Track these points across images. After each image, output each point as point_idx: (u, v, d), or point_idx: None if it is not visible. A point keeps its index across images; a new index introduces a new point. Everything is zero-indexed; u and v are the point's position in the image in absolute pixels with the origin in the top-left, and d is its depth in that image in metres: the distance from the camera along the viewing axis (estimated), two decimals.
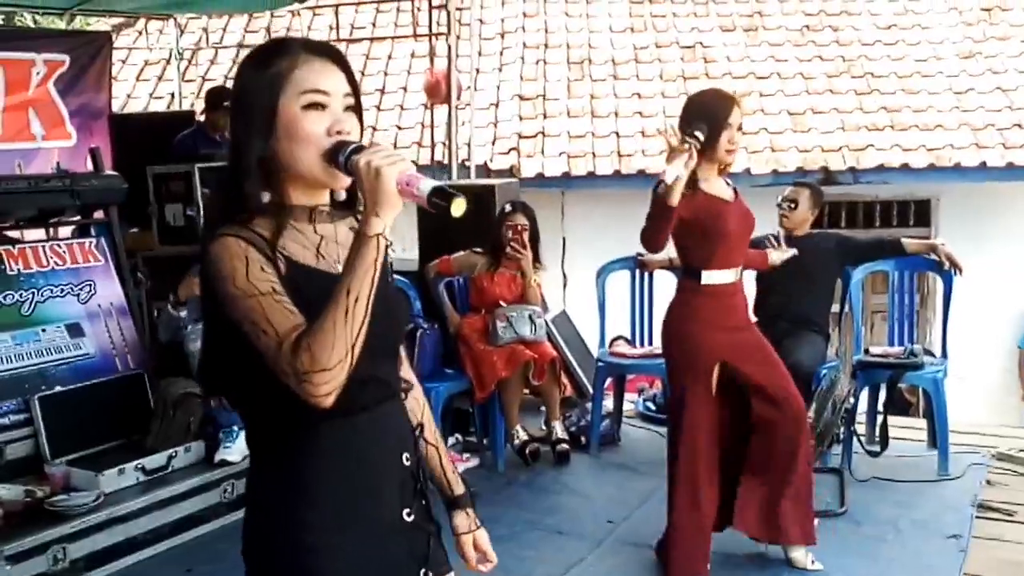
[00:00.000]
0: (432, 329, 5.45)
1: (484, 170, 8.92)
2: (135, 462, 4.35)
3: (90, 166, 5.57)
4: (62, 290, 4.92)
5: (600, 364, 5.68)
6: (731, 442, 3.94)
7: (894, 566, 4.12)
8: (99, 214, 5.32)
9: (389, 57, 10.86)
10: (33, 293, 4.79)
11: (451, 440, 5.50)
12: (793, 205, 5.28)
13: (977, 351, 8.30)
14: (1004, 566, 4.08)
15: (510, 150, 9.52)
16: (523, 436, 5.42)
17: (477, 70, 9.80)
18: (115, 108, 8.23)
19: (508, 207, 5.60)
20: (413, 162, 1.61)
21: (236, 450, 4.54)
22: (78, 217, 5.29)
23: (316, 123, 1.68)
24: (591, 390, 5.89)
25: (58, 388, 4.65)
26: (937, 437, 5.19)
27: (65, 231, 5.62)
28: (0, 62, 6.64)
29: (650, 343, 5.79)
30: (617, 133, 9.56)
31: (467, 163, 7.61)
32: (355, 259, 1.57)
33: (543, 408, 5.64)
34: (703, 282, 3.81)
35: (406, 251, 6.36)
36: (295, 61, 1.70)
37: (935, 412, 5.18)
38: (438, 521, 1.90)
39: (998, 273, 8.75)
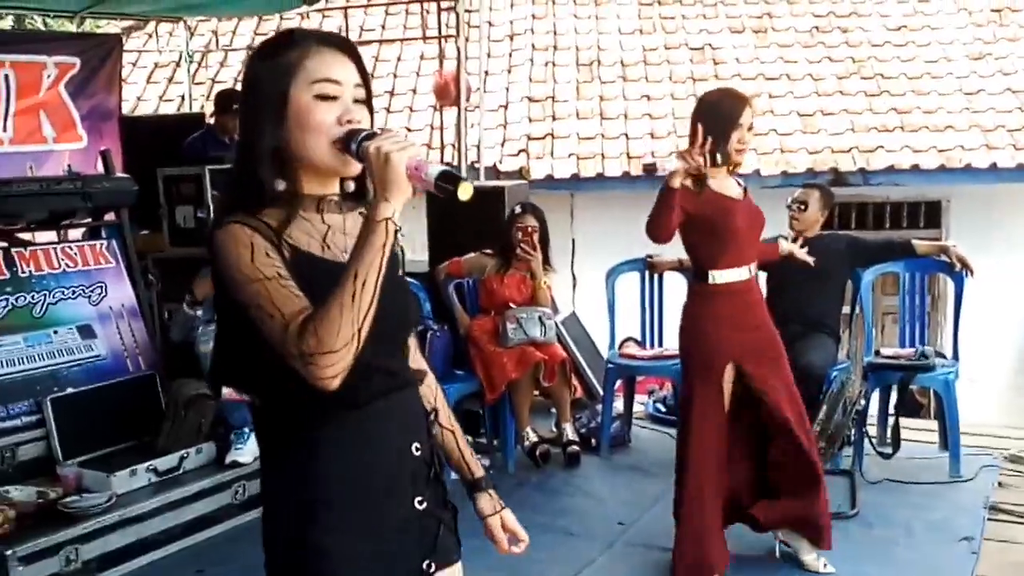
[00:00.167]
0: (442, 331, 5.45)
1: (493, 172, 8.93)
2: (147, 463, 4.36)
3: (101, 168, 5.59)
4: (73, 292, 4.93)
5: (610, 366, 5.68)
6: (748, 441, 3.94)
7: (906, 569, 4.11)
8: (110, 216, 5.33)
9: (398, 59, 10.88)
10: (45, 295, 4.81)
11: None
12: (803, 206, 5.26)
13: (988, 353, 8.27)
14: (1016, 568, 4.07)
15: (519, 152, 9.52)
16: (533, 438, 5.43)
17: (486, 72, 9.80)
18: (125, 110, 8.23)
19: (518, 209, 5.60)
20: (433, 161, 1.62)
21: (247, 451, 4.55)
22: (89, 219, 5.30)
23: (327, 113, 1.69)
24: (601, 392, 5.88)
25: (70, 389, 4.67)
26: (948, 439, 5.18)
27: (76, 233, 5.64)
28: (11, 65, 6.65)
29: (660, 345, 5.79)
30: (626, 135, 9.55)
31: (476, 165, 7.62)
32: (363, 243, 1.58)
33: (553, 410, 5.64)
34: (713, 281, 3.81)
35: (416, 253, 6.37)
36: (307, 51, 1.71)
37: (946, 414, 5.17)
38: (455, 507, 1.91)
39: (1009, 275, 8.72)
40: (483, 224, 5.72)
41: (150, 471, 4.36)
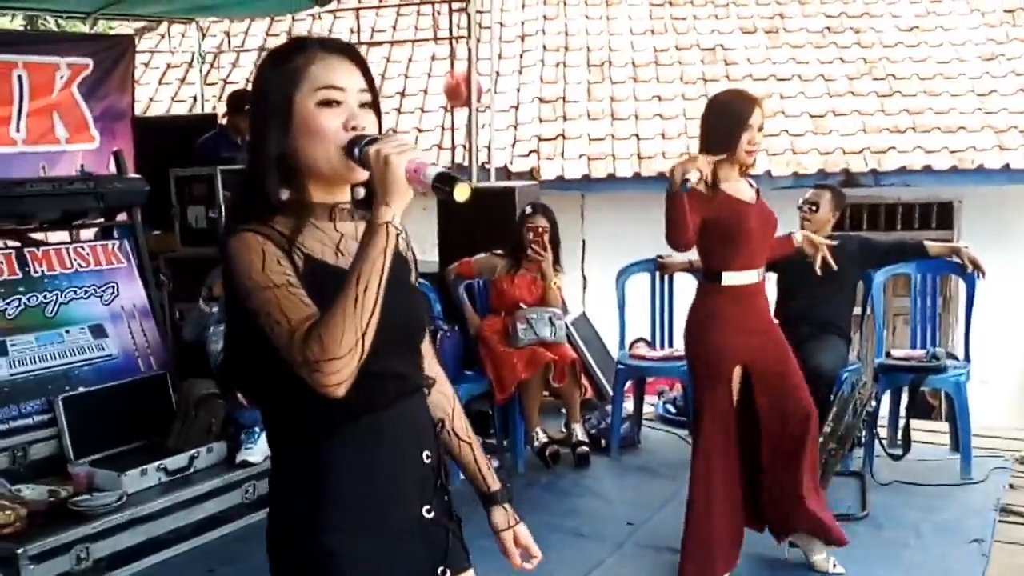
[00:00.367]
0: (452, 331, 5.46)
1: (504, 173, 8.93)
2: (157, 463, 4.37)
3: (113, 169, 5.61)
4: (85, 292, 4.95)
5: (620, 366, 5.68)
6: (755, 442, 3.94)
7: (915, 570, 4.10)
8: (122, 216, 5.36)
9: (409, 60, 10.89)
10: (57, 295, 4.83)
11: None
12: (814, 207, 5.25)
13: (1000, 354, 8.25)
14: None
15: (530, 152, 9.53)
16: (543, 438, 5.43)
17: (497, 73, 9.80)
18: (137, 111, 8.27)
19: (528, 209, 5.61)
20: (433, 163, 1.62)
21: (258, 451, 4.56)
22: (101, 219, 5.33)
23: (331, 119, 1.69)
24: (611, 392, 5.88)
25: (81, 389, 4.69)
26: (959, 441, 5.16)
27: (88, 233, 5.66)
28: (24, 66, 6.68)
29: (670, 346, 5.78)
30: (637, 136, 9.55)
31: (487, 166, 7.62)
32: (365, 247, 1.58)
33: (563, 410, 5.63)
34: (724, 283, 3.80)
35: (426, 254, 6.38)
36: (311, 58, 1.72)
37: (957, 416, 5.15)
38: (459, 517, 1.91)
39: (1021, 276, 8.69)
40: (494, 225, 5.73)
41: (161, 470, 4.37)
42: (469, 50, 7.03)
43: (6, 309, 4.62)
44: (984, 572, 4.04)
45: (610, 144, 9.54)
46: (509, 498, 2.02)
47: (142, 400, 4.78)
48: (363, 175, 1.69)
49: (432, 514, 1.81)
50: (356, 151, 1.65)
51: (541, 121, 9.92)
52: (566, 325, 5.64)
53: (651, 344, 5.95)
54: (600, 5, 11.42)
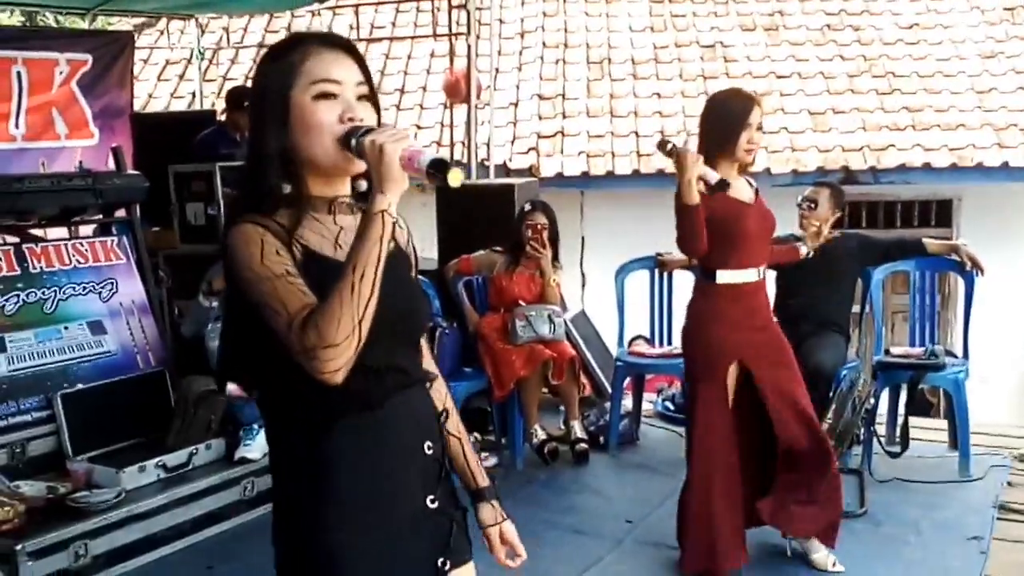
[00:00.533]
0: (451, 328, 5.47)
1: (503, 170, 8.93)
2: (156, 459, 4.37)
3: (112, 165, 5.61)
4: (84, 288, 4.95)
5: (619, 364, 5.68)
6: (757, 440, 3.94)
7: (914, 567, 4.10)
8: (121, 213, 5.35)
9: (409, 57, 10.88)
10: (56, 291, 4.83)
11: (470, 439, 5.48)
12: (813, 205, 5.25)
13: (999, 352, 8.25)
14: None
15: (529, 150, 9.53)
16: (542, 435, 5.43)
17: (497, 69, 9.80)
18: (136, 107, 8.27)
19: (528, 206, 5.60)
20: (427, 147, 1.63)
21: (256, 448, 4.56)
22: (100, 215, 5.33)
23: (327, 112, 1.70)
24: (610, 390, 5.88)
25: (80, 385, 4.69)
26: (958, 438, 5.16)
27: (87, 229, 5.66)
28: (24, 62, 6.69)
29: (669, 343, 5.78)
30: (636, 133, 9.54)
31: (486, 163, 7.61)
32: (361, 235, 1.59)
33: (562, 407, 5.63)
34: (720, 281, 3.80)
35: (425, 251, 6.37)
36: (307, 53, 1.73)
37: (956, 413, 5.15)
38: (464, 507, 1.92)
39: (1021, 274, 8.69)
40: (493, 222, 5.73)
41: (159, 467, 4.37)
42: (468, 47, 7.02)
43: (5, 305, 4.63)
44: (983, 569, 4.04)
45: (609, 141, 9.54)
46: (497, 495, 2.03)
47: (141, 397, 4.78)
48: (362, 167, 1.69)
49: (436, 504, 1.82)
50: (352, 142, 1.65)
51: (540, 118, 9.92)
52: (565, 322, 5.64)
53: (650, 341, 5.95)
54: (599, 2, 11.42)
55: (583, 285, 9.27)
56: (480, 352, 5.43)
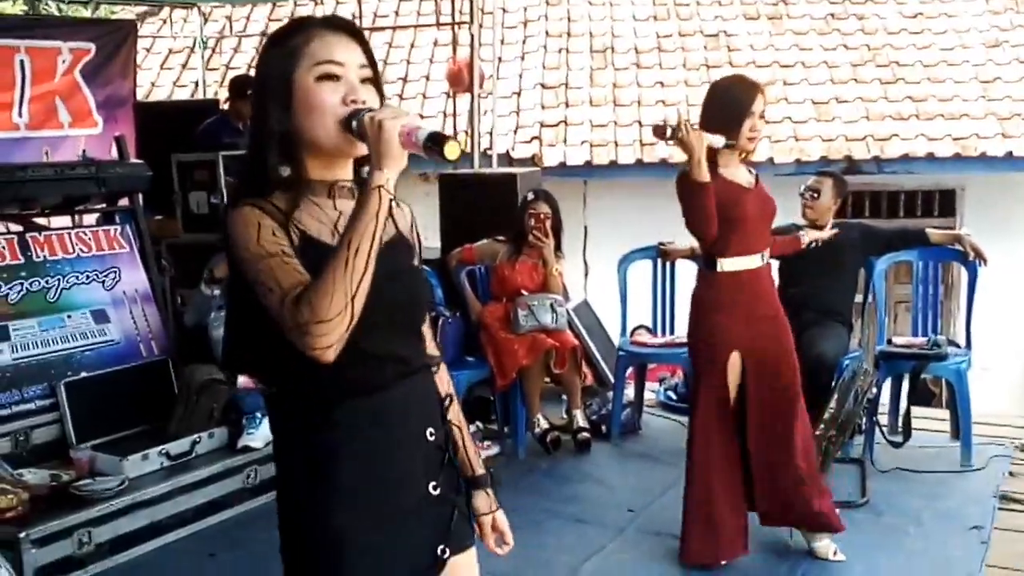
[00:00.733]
0: (454, 317, 5.47)
1: (506, 159, 8.93)
2: (159, 447, 4.39)
3: (115, 154, 5.61)
4: (87, 277, 4.96)
5: (621, 353, 5.68)
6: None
7: (916, 557, 4.11)
8: (124, 201, 5.36)
9: (412, 46, 10.87)
10: (59, 280, 4.84)
11: (472, 428, 5.45)
12: (816, 194, 5.25)
13: (1001, 342, 8.24)
14: None
15: (532, 139, 9.51)
16: (544, 424, 5.43)
17: (499, 59, 9.78)
18: (139, 96, 8.26)
19: (531, 195, 5.60)
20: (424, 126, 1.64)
21: (259, 436, 4.57)
22: (103, 204, 5.34)
23: (331, 93, 1.71)
24: (612, 379, 5.89)
25: (83, 374, 4.71)
26: (960, 428, 5.17)
27: (90, 218, 5.67)
28: (27, 51, 6.68)
29: (671, 332, 5.78)
30: (639, 122, 9.52)
31: (489, 152, 7.62)
32: (358, 211, 1.60)
33: (564, 397, 5.63)
34: (721, 269, 3.81)
35: (428, 240, 6.37)
36: (310, 35, 1.74)
37: (958, 403, 5.16)
38: (467, 492, 1.93)
39: (1023, 264, 8.68)
40: (496, 211, 5.73)
41: (162, 455, 4.38)
42: (471, 36, 7.01)
43: (8, 294, 4.64)
44: (983, 559, 4.04)
45: (612, 131, 9.53)
46: (491, 484, 2.05)
47: (144, 385, 4.79)
48: (363, 150, 1.69)
49: (439, 490, 1.83)
50: (354, 123, 1.66)
51: (543, 107, 9.90)
52: (567, 312, 5.64)
53: (652, 331, 5.95)
54: None
55: (586, 274, 9.26)
56: (483, 341, 5.43)
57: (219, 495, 4.47)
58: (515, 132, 9.60)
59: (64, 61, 6.95)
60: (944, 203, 9.60)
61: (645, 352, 5.74)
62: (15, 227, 4.96)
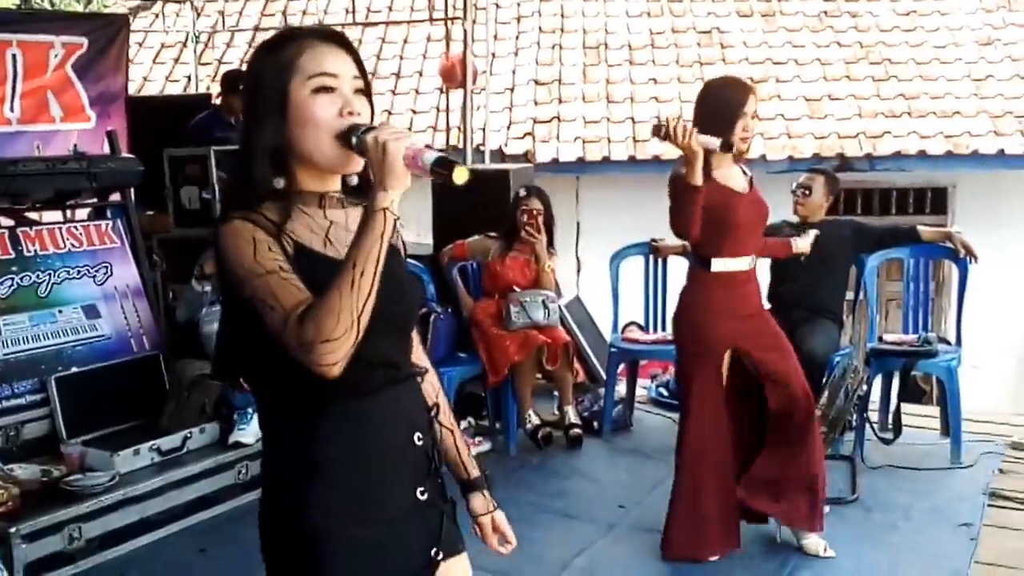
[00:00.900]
0: (446, 314, 5.46)
1: (499, 155, 8.93)
2: (150, 443, 4.37)
3: (107, 148, 5.60)
4: (79, 272, 4.95)
5: (613, 350, 5.69)
6: (749, 427, 3.95)
7: (905, 554, 4.12)
8: (115, 196, 5.34)
9: (405, 41, 10.86)
10: (50, 275, 4.83)
11: (464, 424, 5.50)
12: (807, 192, 5.26)
13: (992, 339, 8.27)
14: (1016, 555, 4.07)
15: (525, 135, 9.52)
16: (536, 420, 5.44)
17: (493, 54, 9.79)
18: (131, 91, 8.24)
19: (523, 192, 5.60)
20: (428, 145, 1.63)
21: (250, 432, 4.57)
22: (94, 199, 5.32)
23: (326, 106, 1.71)
24: (604, 375, 5.90)
25: (74, 369, 4.69)
26: (950, 425, 5.18)
27: (82, 213, 5.65)
28: (18, 44, 6.65)
29: (663, 329, 5.79)
30: (632, 119, 9.54)
31: (482, 148, 7.61)
32: (362, 232, 1.60)
33: (556, 393, 5.65)
34: (713, 269, 3.82)
35: (420, 236, 6.38)
36: (303, 47, 1.73)
37: (949, 400, 5.17)
38: (453, 499, 1.93)
39: (1014, 261, 8.71)
40: (488, 207, 5.72)
41: (153, 451, 4.38)
42: (465, 31, 7.01)
43: None
44: (973, 556, 4.05)
45: (605, 127, 9.54)
46: (487, 485, 2.05)
47: (135, 380, 4.79)
48: (358, 164, 1.70)
49: (426, 496, 1.83)
50: (353, 139, 1.66)
51: (536, 103, 9.91)
52: (559, 308, 5.65)
53: (644, 327, 5.96)
54: None
55: (578, 271, 9.27)
56: (474, 337, 5.44)
57: (210, 491, 4.46)
58: (508, 128, 9.61)
59: (56, 55, 6.92)
60: (936, 201, 9.63)
61: (637, 348, 5.75)
62: (6, 221, 4.94)
